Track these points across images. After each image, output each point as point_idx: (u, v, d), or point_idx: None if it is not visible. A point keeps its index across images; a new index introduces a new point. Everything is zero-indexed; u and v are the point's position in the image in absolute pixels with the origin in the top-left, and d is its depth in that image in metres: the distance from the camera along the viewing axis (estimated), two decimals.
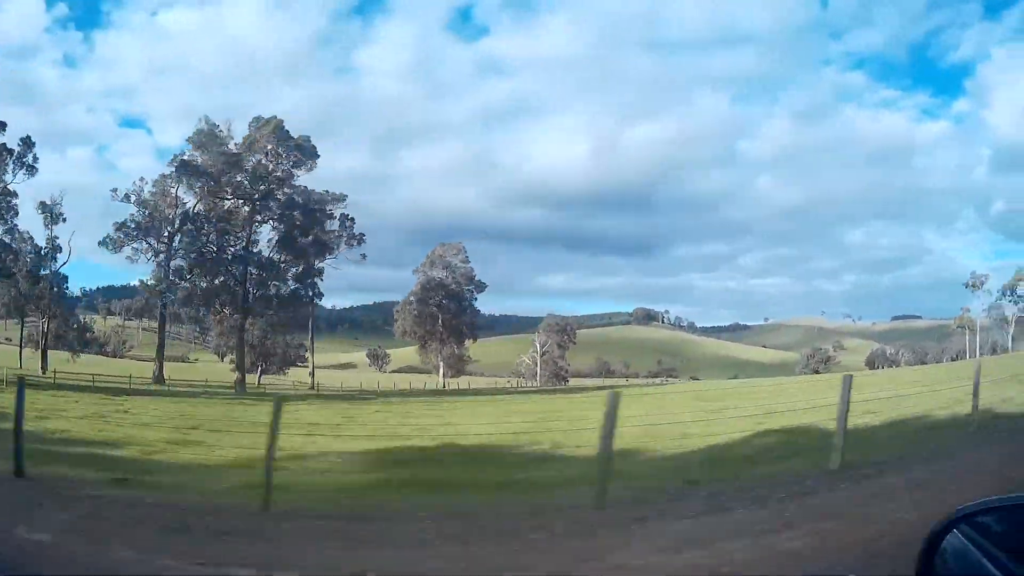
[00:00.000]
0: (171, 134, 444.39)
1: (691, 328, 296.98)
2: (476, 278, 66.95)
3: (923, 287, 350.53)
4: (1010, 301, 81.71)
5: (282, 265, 50.62)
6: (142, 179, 49.54)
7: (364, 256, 54.97)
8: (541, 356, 73.89)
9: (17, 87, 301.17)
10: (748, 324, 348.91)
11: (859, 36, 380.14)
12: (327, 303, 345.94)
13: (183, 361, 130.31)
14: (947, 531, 1.93)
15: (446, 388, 56.73)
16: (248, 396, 36.38)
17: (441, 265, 64.59)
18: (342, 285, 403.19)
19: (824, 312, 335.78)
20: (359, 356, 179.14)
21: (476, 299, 67.03)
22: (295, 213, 50.12)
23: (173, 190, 49.00)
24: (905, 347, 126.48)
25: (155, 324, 66.53)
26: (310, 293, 53.02)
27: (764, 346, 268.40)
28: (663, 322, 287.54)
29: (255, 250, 50.40)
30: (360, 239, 54.44)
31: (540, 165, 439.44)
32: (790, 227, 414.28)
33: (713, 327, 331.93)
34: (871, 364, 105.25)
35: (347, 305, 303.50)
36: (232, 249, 49.90)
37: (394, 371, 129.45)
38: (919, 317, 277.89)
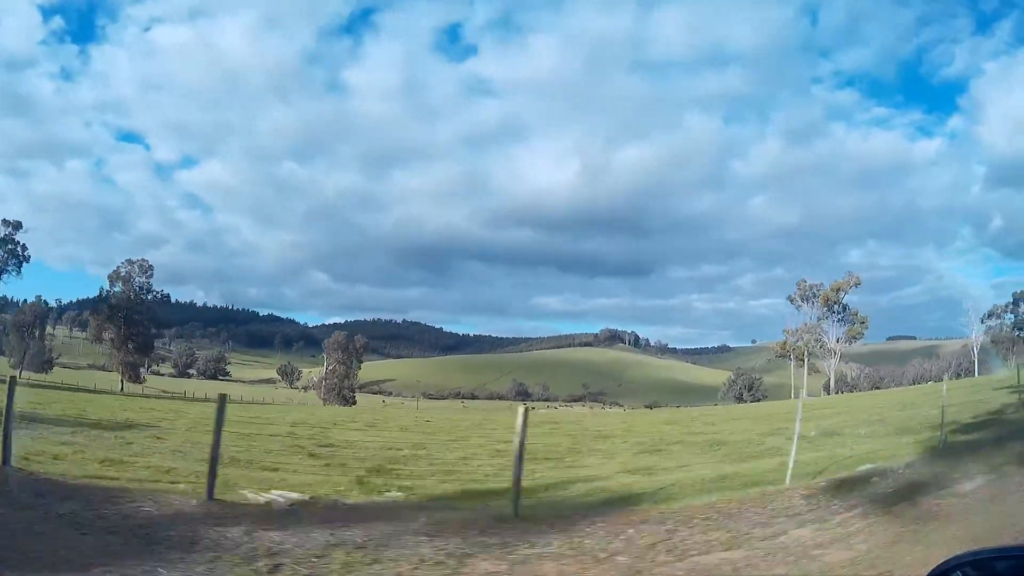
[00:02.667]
0: (168, 150, 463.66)
1: (660, 350, 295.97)
2: (160, 292, 76.90)
3: (922, 307, 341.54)
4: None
5: None
6: None
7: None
8: (330, 371, 77.26)
9: (14, 99, 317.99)
10: (733, 346, 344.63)
11: (849, 54, 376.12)
12: (307, 320, 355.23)
13: None
14: (951, 571, 2.01)
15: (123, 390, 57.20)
16: None
17: (124, 279, 69.41)
18: (332, 303, 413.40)
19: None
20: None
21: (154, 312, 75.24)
22: None
23: None
24: (872, 370, 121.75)
25: None
26: None
27: (739, 368, 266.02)
28: (628, 343, 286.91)
29: None
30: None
31: (532, 187, 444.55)
32: (786, 248, 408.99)
33: (696, 348, 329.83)
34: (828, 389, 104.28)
35: (338, 321, 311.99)
36: None
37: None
38: (914, 338, 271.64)
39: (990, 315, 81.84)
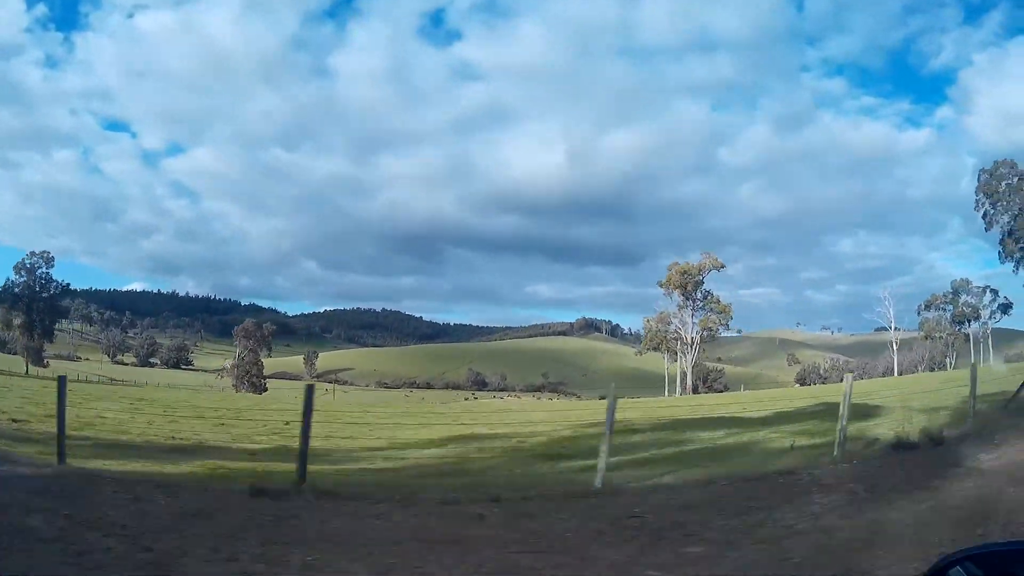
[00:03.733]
0: (155, 137, 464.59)
1: (636, 338, 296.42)
2: (60, 283, 76.92)
3: (913, 298, 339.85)
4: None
5: None
6: None
7: None
8: (241, 359, 78.89)
9: (1, 87, 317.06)
10: (716, 336, 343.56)
11: (836, 42, 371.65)
12: (288, 309, 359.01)
13: None
14: (953, 565, 1.99)
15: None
16: None
17: (29, 270, 71.66)
18: (324, 292, 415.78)
19: (800, 323, 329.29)
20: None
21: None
22: None
23: None
24: (846, 362, 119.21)
25: None
26: None
27: (719, 359, 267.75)
28: (605, 332, 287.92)
29: None
30: None
31: (519, 173, 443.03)
32: (776, 237, 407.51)
33: None
34: (802, 380, 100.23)
35: (316, 311, 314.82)
36: None
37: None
38: (900, 329, 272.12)
39: (928, 306, 76.20)
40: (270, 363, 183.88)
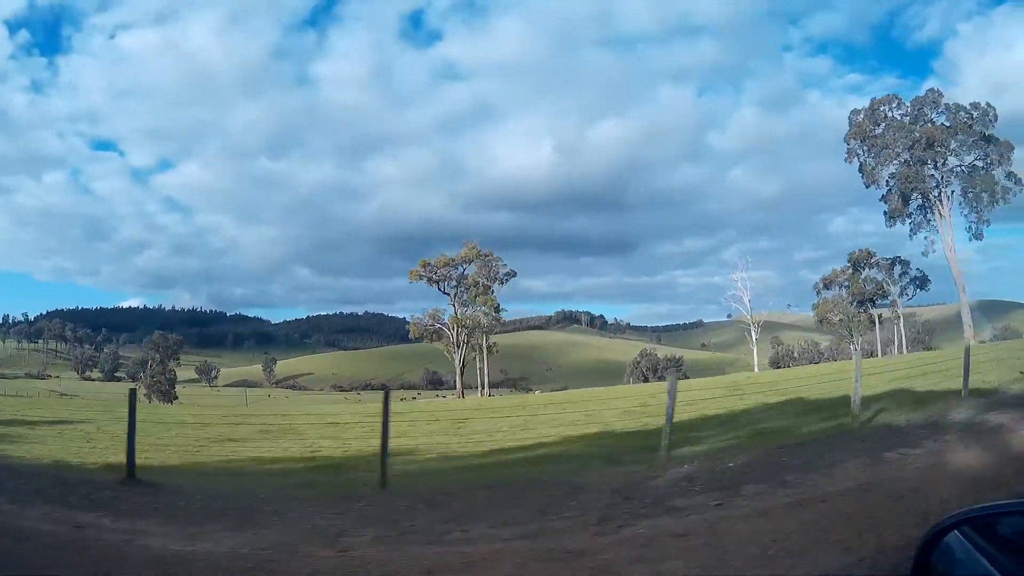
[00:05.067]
0: (144, 155, 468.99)
1: (620, 329, 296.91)
2: None
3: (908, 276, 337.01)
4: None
5: None
6: None
7: None
8: (151, 368, 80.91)
9: None
10: (708, 321, 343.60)
11: (818, 19, 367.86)
12: (281, 317, 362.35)
13: None
14: (948, 531, 1.97)
15: None
16: None
17: None
18: (317, 297, 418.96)
19: (791, 305, 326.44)
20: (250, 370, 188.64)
21: None
22: None
23: None
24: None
25: None
26: None
27: (704, 345, 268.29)
28: (584, 324, 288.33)
29: None
30: None
31: (507, 168, 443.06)
32: (770, 218, 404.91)
33: (669, 326, 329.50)
34: (775, 363, 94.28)
35: (299, 317, 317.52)
36: None
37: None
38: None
39: (828, 284, 66.10)
40: (233, 372, 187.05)
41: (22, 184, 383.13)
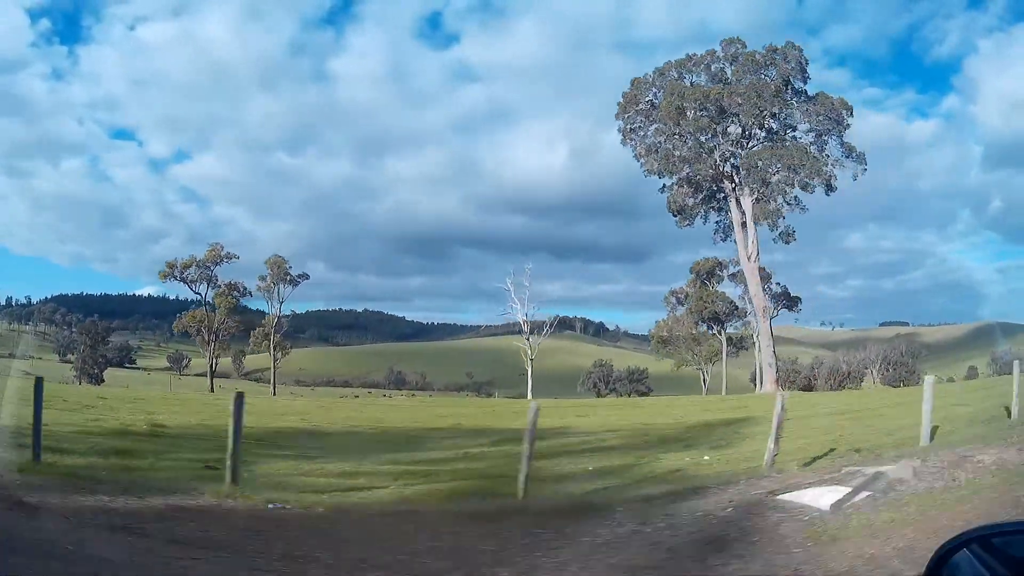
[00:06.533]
0: (162, 145, 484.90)
1: (615, 336, 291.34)
2: None
3: (925, 292, 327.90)
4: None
5: None
6: None
7: None
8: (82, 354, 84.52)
9: (7, 99, 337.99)
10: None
11: (838, 32, 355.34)
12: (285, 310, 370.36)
13: None
14: (958, 549, 1.95)
15: None
16: None
17: None
18: (331, 293, 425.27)
19: (798, 319, 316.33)
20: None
21: None
22: None
23: None
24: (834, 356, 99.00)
25: None
26: None
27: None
28: (578, 331, 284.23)
29: None
30: None
31: (523, 171, 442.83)
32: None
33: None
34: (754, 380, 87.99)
35: (297, 311, 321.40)
36: None
37: None
38: (906, 323, 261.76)
39: (681, 300, 59.90)
40: (203, 363, 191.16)
41: (40, 169, 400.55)
